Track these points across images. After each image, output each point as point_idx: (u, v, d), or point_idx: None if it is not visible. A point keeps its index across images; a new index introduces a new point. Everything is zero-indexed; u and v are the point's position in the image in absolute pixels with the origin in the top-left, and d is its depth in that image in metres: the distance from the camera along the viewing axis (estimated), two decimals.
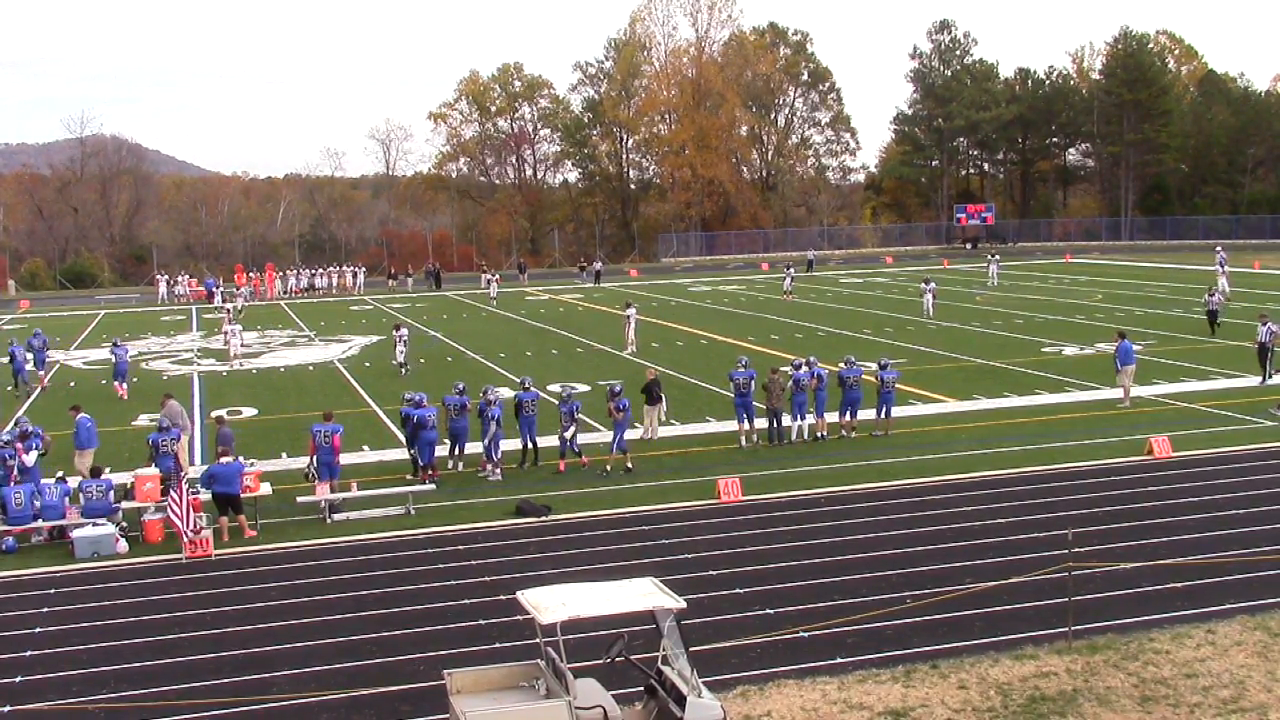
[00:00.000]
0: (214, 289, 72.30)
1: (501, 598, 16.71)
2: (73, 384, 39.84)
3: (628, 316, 43.60)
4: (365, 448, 27.65)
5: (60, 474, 22.35)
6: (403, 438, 25.02)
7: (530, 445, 25.71)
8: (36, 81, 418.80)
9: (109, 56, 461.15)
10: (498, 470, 24.59)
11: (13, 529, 20.66)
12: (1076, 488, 22.31)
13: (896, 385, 28.16)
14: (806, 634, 15.31)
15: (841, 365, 28.26)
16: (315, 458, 22.94)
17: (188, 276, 79.28)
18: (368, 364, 42.41)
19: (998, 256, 69.98)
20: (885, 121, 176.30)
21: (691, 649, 11.64)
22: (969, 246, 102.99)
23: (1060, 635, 14.74)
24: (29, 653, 15.81)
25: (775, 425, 26.96)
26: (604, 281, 79.29)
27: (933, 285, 52.15)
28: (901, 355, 38.74)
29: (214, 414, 27.76)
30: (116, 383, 37.64)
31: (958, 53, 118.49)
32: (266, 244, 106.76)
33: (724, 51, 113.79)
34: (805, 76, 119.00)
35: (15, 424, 24.01)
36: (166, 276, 78.13)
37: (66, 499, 21.27)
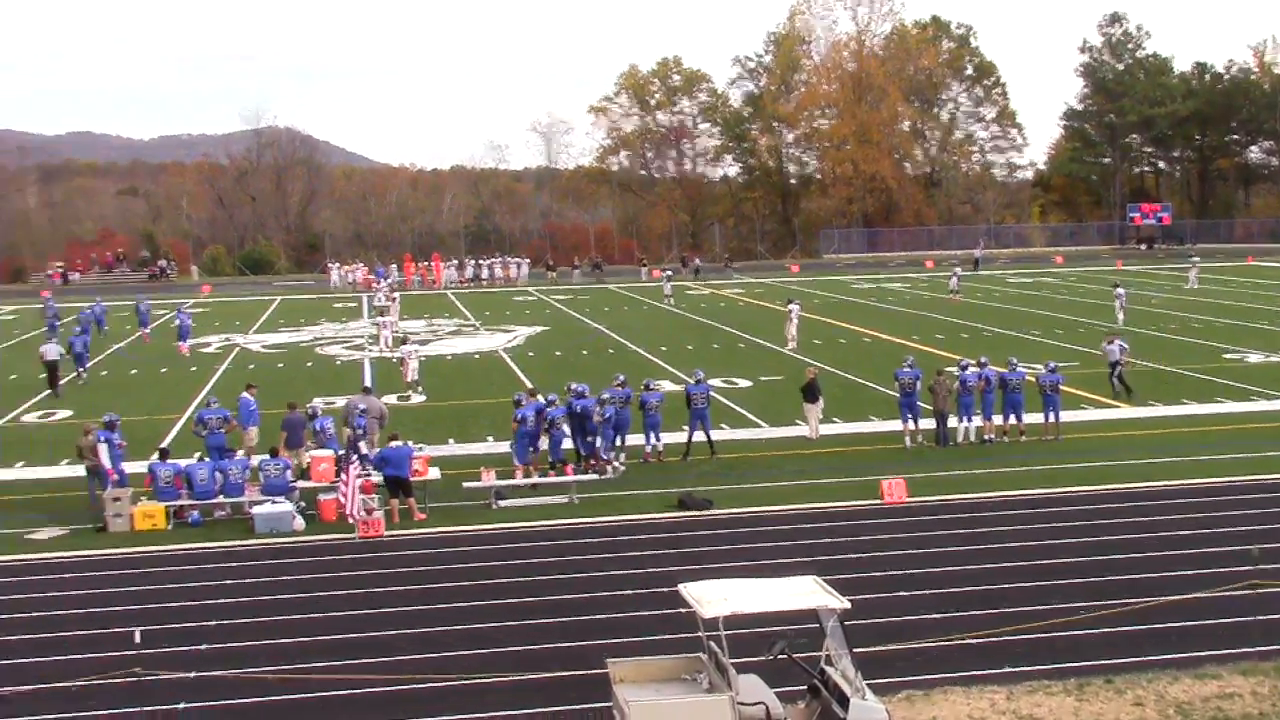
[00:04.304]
0: (384, 277, 74.08)
1: (663, 589, 16.78)
2: (251, 366, 41.32)
3: (790, 313, 43.35)
4: None
5: (240, 453, 23.24)
6: (567, 428, 25.33)
7: (705, 437, 25.76)
8: (216, 75, 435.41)
9: (284, 51, 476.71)
10: (618, 465, 24.64)
11: (198, 504, 21.61)
12: (1262, 501, 21.36)
13: (1061, 388, 27.36)
14: (974, 641, 15.03)
15: (1004, 367, 27.58)
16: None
17: (363, 267, 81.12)
18: (531, 354, 43.03)
19: (1197, 259, 66.56)
20: (1053, 117, 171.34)
21: (855, 650, 11.53)
22: (1143, 247, 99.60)
23: (1245, 655, 14.15)
24: (212, 622, 16.49)
25: (941, 427, 26.50)
26: (759, 277, 78.92)
27: (1123, 291, 48.18)
28: (1073, 358, 37.66)
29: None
30: (180, 344, 44.64)
31: (1130, 46, 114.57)
32: (433, 234, 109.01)
33: (885, 45, 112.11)
34: (969, 71, 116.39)
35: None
36: (338, 264, 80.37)
37: (247, 476, 22.15)
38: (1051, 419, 26.90)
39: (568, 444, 24.79)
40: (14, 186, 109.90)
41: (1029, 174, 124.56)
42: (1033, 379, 27.51)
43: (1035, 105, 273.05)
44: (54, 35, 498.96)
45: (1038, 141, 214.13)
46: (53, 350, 36.92)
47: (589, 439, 24.61)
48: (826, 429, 27.98)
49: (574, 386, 25.52)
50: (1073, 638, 15.01)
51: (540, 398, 24.92)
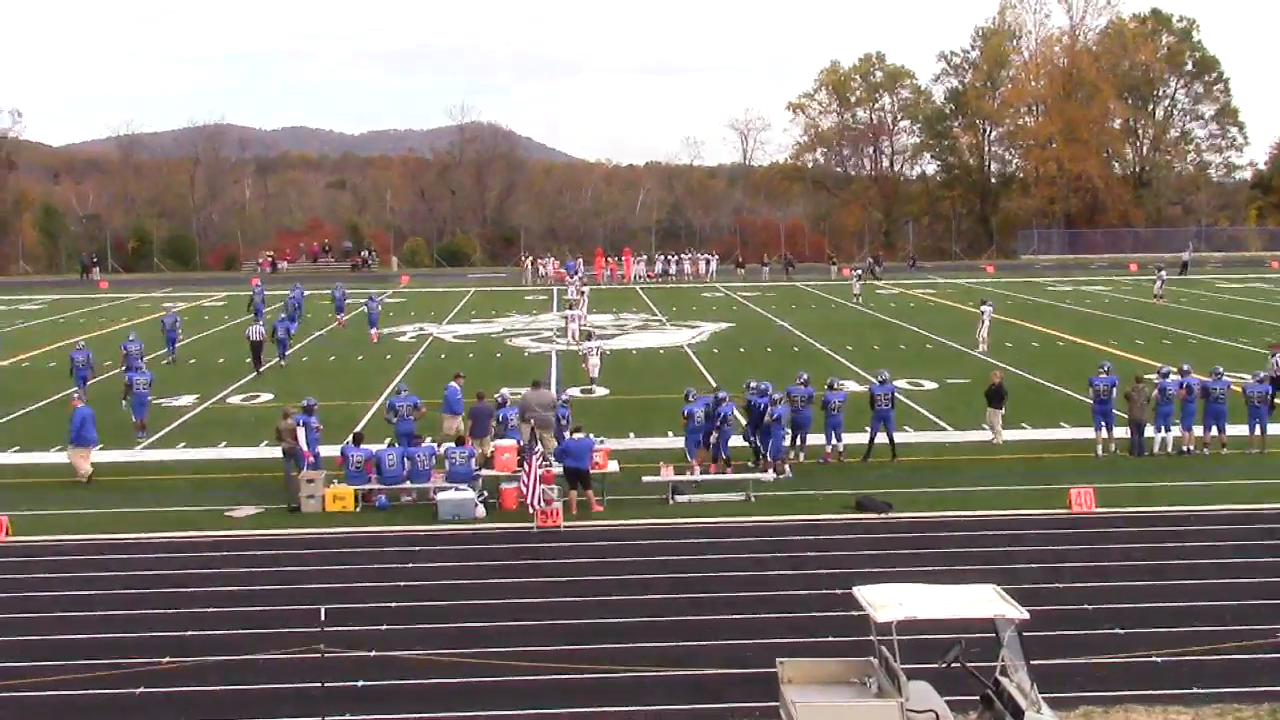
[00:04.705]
0: (573, 271, 75.11)
1: (836, 591, 16.58)
2: (443, 356, 42.43)
3: (982, 314, 42.32)
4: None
5: (428, 440, 23.89)
6: (743, 421, 25.30)
7: (888, 439, 25.40)
8: (425, 73, 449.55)
9: (489, 50, 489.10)
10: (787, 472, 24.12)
11: (386, 488, 22.32)
12: None
13: (1273, 400, 25.94)
14: (1160, 659, 14.42)
15: (1207, 376, 26.36)
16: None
17: (553, 260, 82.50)
18: (715, 350, 43.07)
19: None
20: (1278, 115, 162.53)
21: (1032, 662, 11.19)
22: None
23: None
24: (394, 603, 17.00)
25: (1136, 436, 25.48)
26: (952, 277, 77.25)
27: None
28: None
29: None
30: (371, 330, 46.96)
31: None
32: (625, 229, 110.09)
33: (1100, 40, 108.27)
34: (1189, 66, 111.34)
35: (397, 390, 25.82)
36: (531, 258, 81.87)
37: (433, 463, 22.75)
38: (1257, 433, 25.58)
39: (739, 441, 24.75)
40: (232, 178, 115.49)
41: (1248, 175, 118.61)
42: (1239, 389, 26.19)
43: (1260, 102, 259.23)
44: (276, 34, 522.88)
45: (1260, 141, 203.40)
46: (255, 332, 39.27)
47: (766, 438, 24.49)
48: (1015, 434, 27.25)
49: (753, 384, 25.43)
50: (1267, 660, 14.26)
51: (717, 394, 24.94)
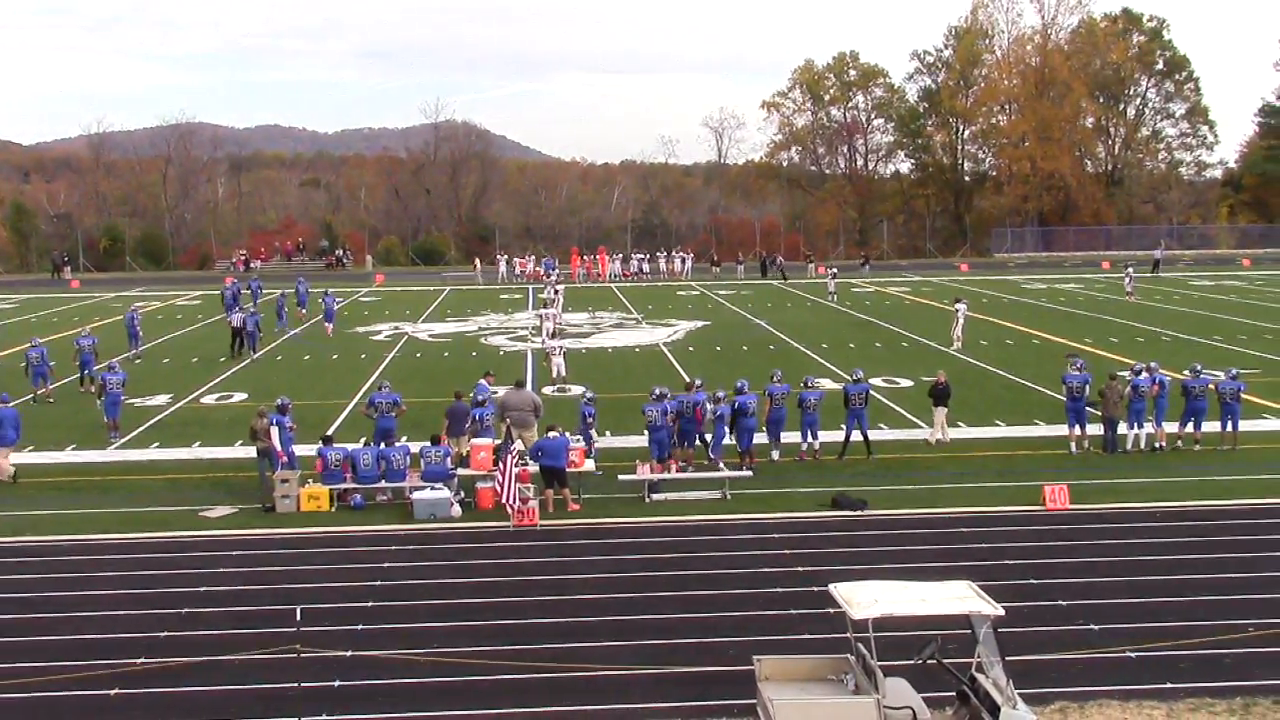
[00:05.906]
0: (550, 269, 75.02)
1: (812, 589, 16.62)
2: (419, 355, 42.34)
3: (957, 312, 42.48)
4: None
5: (405, 439, 23.80)
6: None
7: (862, 437, 25.47)
8: (401, 71, 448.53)
9: (463, 47, 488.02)
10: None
11: (361, 488, 22.24)
12: None
13: (1243, 396, 26.18)
14: (1134, 654, 14.51)
15: (1186, 374, 26.59)
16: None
17: (531, 258, 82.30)
18: (691, 349, 43.10)
19: None
20: (1248, 113, 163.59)
21: (1007, 658, 11.25)
22: None
23: None
24: (370, 603, 16.95)
25: (1110, 433, 25.64)
26: (927, 275, 77.53)
27: None
28: (1256, 365, 36.02)
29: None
30: (326, 324, 47.91)
31: None
32: (600, 228, 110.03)
33: (1071, 39, 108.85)
34: (1160, 65, 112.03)
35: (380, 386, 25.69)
36: (506, 256, 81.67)
37: (408, 462, 22.66)
38: (1229, 429, 25.79)
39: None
40: (205, 177, 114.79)
41: (1218, 173, 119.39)
42: (1212, 387, 26.38)
43: (1230, 101, 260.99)
44: (248, 32, 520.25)
45: (1230, 139, 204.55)
46: (237, 319, 41.46)
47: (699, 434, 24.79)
48: (989, 432, 27.42)
49: (698, 382, 25.65)
50: (1239, 655, 14.38)
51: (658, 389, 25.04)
